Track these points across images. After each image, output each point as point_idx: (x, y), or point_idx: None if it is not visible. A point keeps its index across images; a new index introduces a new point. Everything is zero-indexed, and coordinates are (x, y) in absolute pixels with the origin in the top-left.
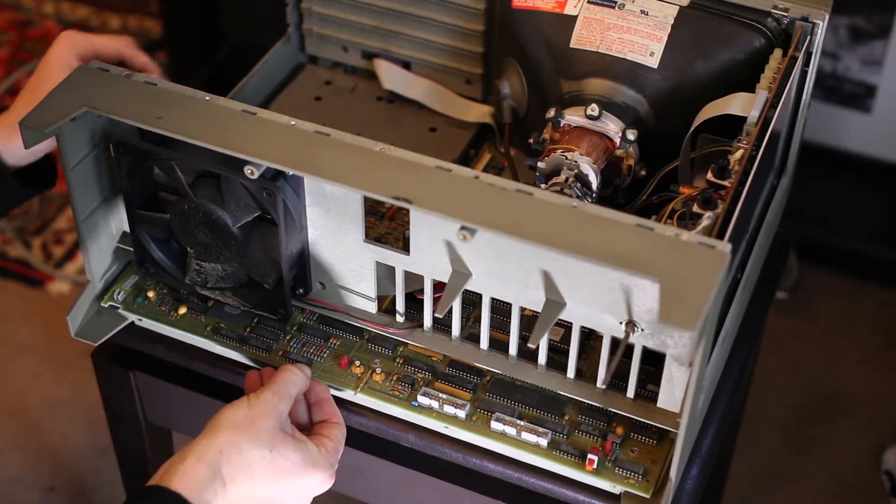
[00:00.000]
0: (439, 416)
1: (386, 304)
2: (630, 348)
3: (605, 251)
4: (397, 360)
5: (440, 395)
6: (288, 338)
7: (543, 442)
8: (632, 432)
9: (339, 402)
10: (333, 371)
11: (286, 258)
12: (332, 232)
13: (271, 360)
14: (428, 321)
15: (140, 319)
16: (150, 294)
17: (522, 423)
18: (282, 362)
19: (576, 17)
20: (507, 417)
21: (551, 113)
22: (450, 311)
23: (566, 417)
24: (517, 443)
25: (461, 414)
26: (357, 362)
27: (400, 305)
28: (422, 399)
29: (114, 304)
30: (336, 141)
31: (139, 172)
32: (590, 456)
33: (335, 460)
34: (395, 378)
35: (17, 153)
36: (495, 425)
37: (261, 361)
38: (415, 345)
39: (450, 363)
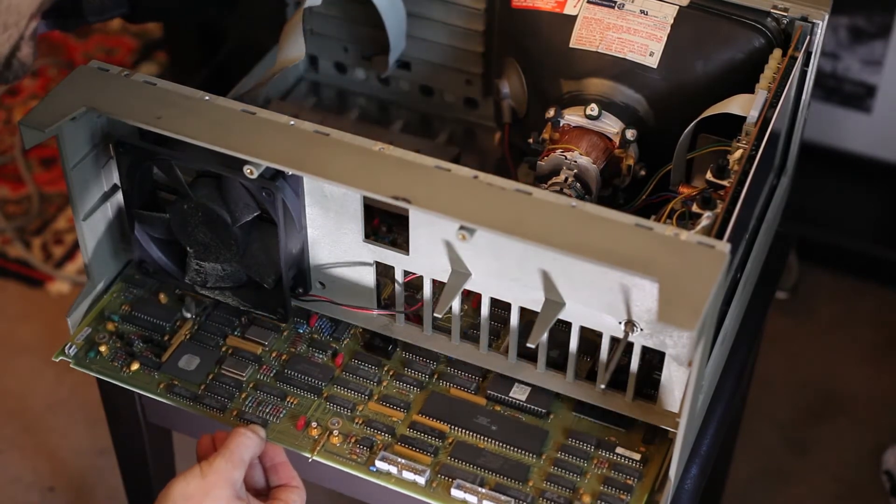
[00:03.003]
0: (398, 481)
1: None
2: (629, 348)
3: (604, 251)
4: (356, 421)
5: (399, 459)
6: (243, 396)
7: None
8: (599, 501)
9: (297, 460)
10: (289, 433)
11: (285, 258)
12: (331, 232)
13: (225, 420)
14: (427, 321)
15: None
16: (102, 349)
17: (484, 490)
18: (236, 423)
19: (575, 16)
20: (468, 485)
21: (551, 113)
22: (449, 312)
23: (530, 484)
24: None
25: (420, 480)
26: (314, 423)
27: (399, 306)
28: (380, 464)
29: (65, 358)
30: (335, 141)
31: (139, 172)
32: None
33: None
34: (353, 441)
35: None
36: (455, 493)
37: (215, 421)
38: (414, 345)
39: (410, 424)
